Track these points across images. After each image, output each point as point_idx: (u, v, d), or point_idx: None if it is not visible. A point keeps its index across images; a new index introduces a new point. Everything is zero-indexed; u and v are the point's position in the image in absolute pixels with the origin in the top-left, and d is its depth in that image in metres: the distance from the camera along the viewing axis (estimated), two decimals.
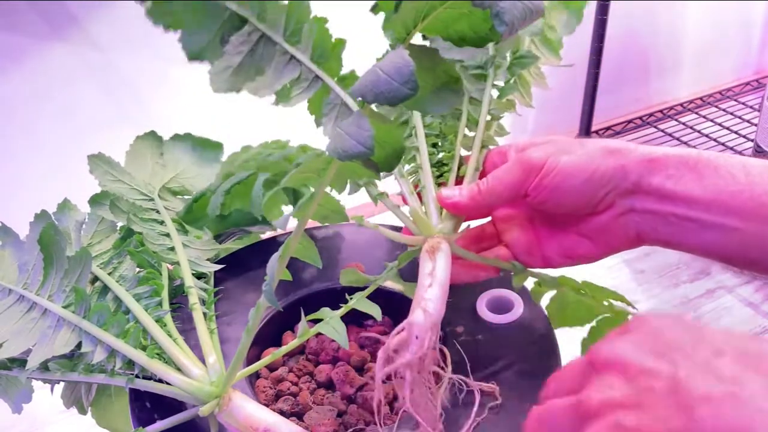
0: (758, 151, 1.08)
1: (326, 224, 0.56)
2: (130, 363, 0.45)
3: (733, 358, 0.27)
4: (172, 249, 0.54)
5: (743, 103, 1.37)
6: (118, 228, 0.57)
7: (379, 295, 0.47)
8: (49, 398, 0.53)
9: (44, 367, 0.46)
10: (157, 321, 0.48)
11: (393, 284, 0.52)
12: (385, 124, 0.36)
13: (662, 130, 1.30)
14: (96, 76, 0.88)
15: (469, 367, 0.47)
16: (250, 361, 0.51)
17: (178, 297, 0.54)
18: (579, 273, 0.51)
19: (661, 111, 1.36)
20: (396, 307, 0.52)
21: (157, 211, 0.57)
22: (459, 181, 0.49)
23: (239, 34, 0.37)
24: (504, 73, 0.52)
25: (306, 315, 0.44)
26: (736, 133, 1.26)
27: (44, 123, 0.88)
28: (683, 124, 1.31)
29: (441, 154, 0.52)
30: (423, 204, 0.48)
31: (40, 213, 0.52)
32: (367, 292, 0.47)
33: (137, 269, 0.53)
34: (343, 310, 0.45)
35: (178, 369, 0.45)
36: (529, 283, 0.52)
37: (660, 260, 1.00)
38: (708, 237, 0.40)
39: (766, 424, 0.24)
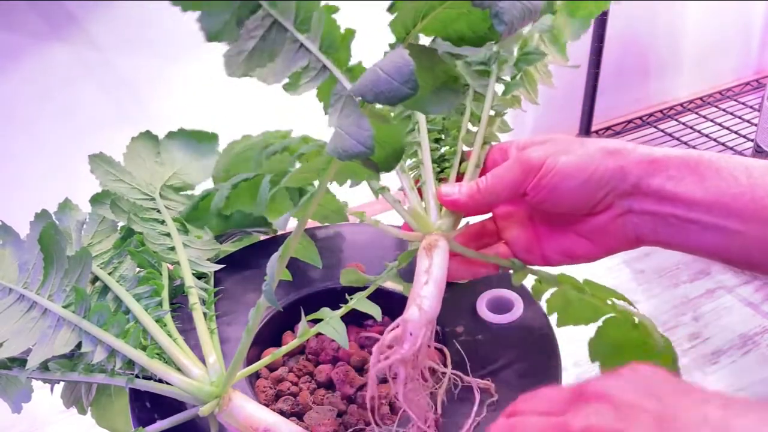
0: (758, 151, 1.08)
1: (326, 224, 0.56)
2: (130, 363, 0.45)
3: (718, 406, 0.28)
4: (173, 249, 0.54)
5: (743, 103, 1.37)
6: (118, 228, 0.57)
7: (379, 295, 0.47)
8: (49, 398, 0.53)
9: (44, 366, 0.46)
10: (157, 321, 0.48)
11: (393, 284, 0.52)
12: (385, 124, 0.36)
13: (662, 130, 1.30)
14: (95, 75, 0.88)
15: (469, 367, 0.48)
16: (250, 361, 0.51)
17: (178, 297, 0.54)
18: (579, 272, 0.51)
19: (661, 111, 1.35)
20: (396, 306, 0.52)
21: (158, 211, 0.57)
22: (460, 177, 0.49)
23: (254, 18, 0.37)
24: (510, 69, 0.52)
25: (306, 315, 0.45)
26: (736, 133, 1.26)
27: (44, 122, 0.87)
28: (683, 124, 1.31)
29: (443, 149, 0.52)
30: (423, 200, 0.48)
31: (41, 212, 0.52)
32: (367, 292, 0.47)
33: (137, 269, 0.53)
34: (343, 310, 0.45)
35: (178, 369, 0.45)
36: (530, 281, 0.52)
37: (660, 260, 1.00)
38: (709, 239, 0.40)
39: None
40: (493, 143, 0.51)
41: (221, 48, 0.38)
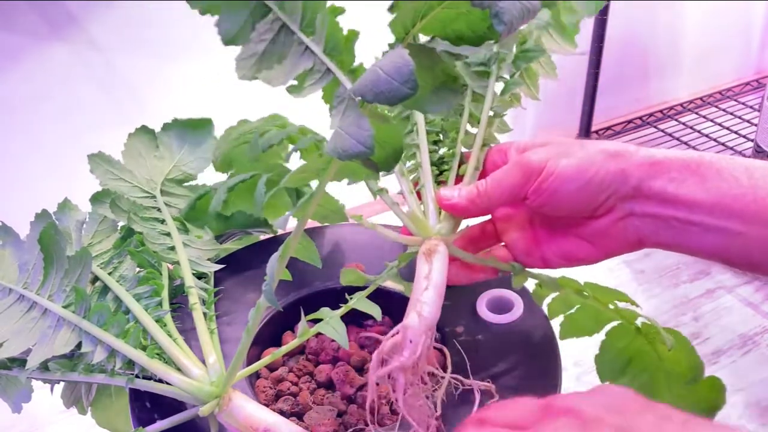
0: (758, 151, 1.08)
1: (326, 224, 0.56)
2: (130, 363, 0.45)
3: (678, 423, 0.29)
4: (173, 248, 0.54)
5: (743, 103, 1.37)
6: (118, 227, 0.57)
7: (379, 295, 0.47)
8: (49, 398, 0.53)
9: (44, 367, 0.46)
10: (157, 321, 0.48)
11: (393, 284, 0.52)
12: (385, 124, 0.36)
13: (662, 130, 1.30)
14: (95, 75, 0.88)
15: (469, 367, 0.48)
16: (250, 361, 0.51)
17: (178, 297, 0.54)
18: (579, 274, 0.51)
19: (661, 111, 1.35)
20: (396, 306, 0.52)
21: (158, 210, 0.57)
22: (459, 179, 0.49)
23: (264, 21, 0.37)
24: (509, 67, 0.51)
25: (306, 315, 0.44)
26: (736, 133, 1.26)
27: (44, 122, 0.88)
28: (683, 124, 1.31)
29: (442, 151, 0.52)
30: (422, 203, 0.48)
31: (41, 212, 0.52)
32: (367, 292, 0.47)
33: (137, 269, 0.53)
34: (343, 310, 0.45)
35: (178, 369, 0.45)
36: (530, 285, 0.52)
37: (660, 260, 1.00)
38: (710, 240, 0.40)
39: None
40: (492, 145, 0.50)
41: (220, 48, 0.38)
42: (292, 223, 0.40)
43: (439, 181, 0.50)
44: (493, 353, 0.49)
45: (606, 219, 0.43)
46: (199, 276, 0.55)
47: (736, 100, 1.38)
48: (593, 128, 1.28)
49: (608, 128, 1.32)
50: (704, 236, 0.40)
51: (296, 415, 0.48)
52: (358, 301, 0.45)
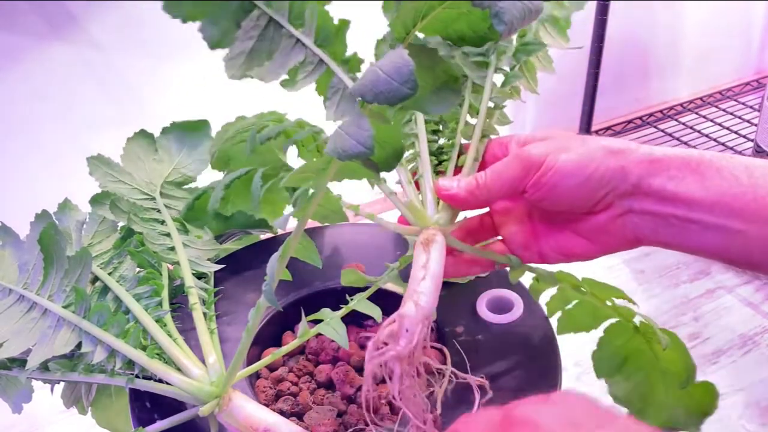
0: (758, 151, 1.08)
1: (326, 224, 0.56)
2: (130, 363, 0.45)
3: None
4: (173, 249, 0.54)
5: (743, 103, 1.37)
6: (118, 228, 0.57)
7: (380, 296, 0.47)
8: (49, 398, 0.53)
9: (44, 367, 0.46)
10: (157, 321, 0.48)
11: (394, 286, 0.52)
12: (385, 124, 0.36)
13: (662, 130, 1.30)
14: (95, 75, 0.88)
15: (468, 367, 0.48)
16: (250, 361, 0.51)
17: (178, 297, 0.54)
18: (578, 271, 0.51)
19: (661, 111, 1.36)
20: (396, 307, 0.52)
21: (158, 211, 0.57)
22: (458, 170, 0.49)
23: (249, 18, 0.37)
24: (509, 59, 0.51)
25: (306, 315, 0.44)
26: (736, 133, 1.26)
27: (44, 122, 0.88)
28: (683, 124, 1.31)
29: (441, 141, 0.52)
30: (420, 193, 0.48)
31: (41, 213, 0.52)
32: (368, 293, 0.47)
33: (137, 269, 0.53)
34: (344, 310, 0.45)
35: (178, 369, 0.45)
36: (528, 279, 0.52)
37: (660, 260, 1.00)
38: (710, 239, 0.40)
39: None
40: (492, 136, 0.50)
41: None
42: (292, 223, 0.40)
43: (437, 171, 0.50)
44: (493, 353, 0.49)
45: (604, 215, 0.43)
46: (199, 276, 0.55)
47: (736, 100, 1.38)
48: (593, 128, 1.28)
49: (608, 128, 1.32)
50: (703, 234, 0.40)
51: (296, 415, 0.48)
52: (359, 302, 0.45)
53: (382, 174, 0.48)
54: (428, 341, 0.40)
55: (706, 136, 1.26)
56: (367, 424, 0.43)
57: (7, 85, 0.83)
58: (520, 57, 0.51)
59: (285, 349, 0.46)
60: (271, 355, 0.46)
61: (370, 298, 0.46)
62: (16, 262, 0.51)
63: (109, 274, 0.52)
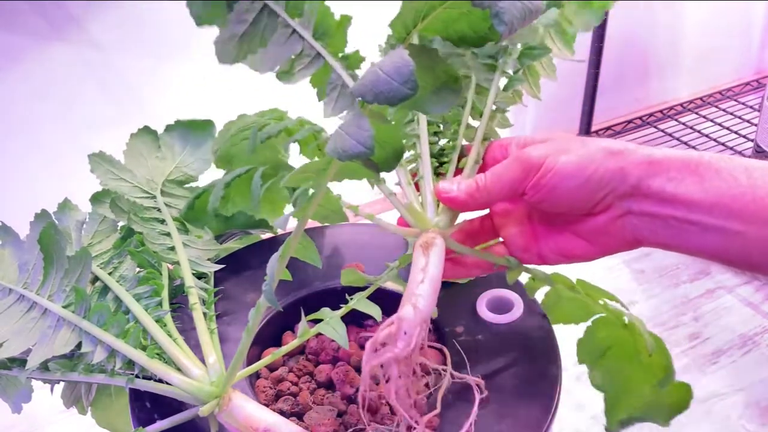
0: (758, 151, 1.08)
1: (326, 224, 0.56)
2: (130, 363, 0.45)
3: None
4: (173, 249, 0.54)
5: (743, 103, 1.37)
6: (118, 228, 0.57)
7: (380, 295, 0.47)
8: (49, 398, 0.53)
9: (44, 367, 0.46)
10: (157, 321, 0.48)
11: (393, 285, 0.52)
12: (385, 124, 0.36)
13: (662, 130, 1.30)
14: (95, 75, 0.88)
15: (468, 367, 0.48)
16: (250, 361, 0.51)
17: (178, 297, 0.54)
18: (578, 272, 0.51)
19: (661, 111, 1.36)
20: (396, 306, 0.52)
21: (159, 210, 0.57)
22: (458, 171, 0.49)
23: (243, 1, 0.36)
24: (514, 62, 0.51)
25: (306, 315, 0.44)
26: (736, 133, 1.26)
27: (44, 122, 0.88)
28: (683, 124, 1.31)
29: (442, 142, 0.52)
30: (420, 194, 0.48)
31: (41, 212, 0.52)
32: (368, 292, 0.47)
33: (137, 269, 0.53)
34: (344, 310, 0.45)
35: (178, 369, 0.45)
36: (524, 278, 0.52)
37: (660, 260, 1.00)
38: (709, 240, 0.40)
39: None
40: (493, 139, 0.50)
41: None
42: (292, 223, 0.40)
43: (438, 173, 0.50)
44: (493, 353, 0.49)
45: (604, 217, 0.43)
46: (199, 276, 0.55)
47: (736, 100, 1.38)
48: (593, 128, 1.28)
49: (608, 128, 1.32)
50: (703, 236, 0.40)
51: (296, 415, 0.48)
52: (359, 302, 0.45)
53: (382, 174, 0.48)
54: (426, 342, 0.41)
55: (706, 136, 1.26)
56: (367, 424, 0.43)
57: (7, 85, 0.83)
58: (525, 61, 0.51)
59: (285, 349, 0.46)
60: (271, 355, 0.46)
61: (370, 298, 0.46)
62: (16, 262, 0.51)
63: (109, 274, 0.52)
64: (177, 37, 0.88)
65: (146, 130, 0.61)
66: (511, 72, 0.51)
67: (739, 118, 1.31)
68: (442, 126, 0.53)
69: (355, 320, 0.56)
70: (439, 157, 0.51)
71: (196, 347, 0.48)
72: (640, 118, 1.34)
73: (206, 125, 0.62)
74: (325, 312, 0.44)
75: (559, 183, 0.42)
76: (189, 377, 0.44)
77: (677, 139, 1.26)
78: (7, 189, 0.88)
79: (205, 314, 0.50)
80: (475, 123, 0.51)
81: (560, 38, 0.55)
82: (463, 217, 0.48)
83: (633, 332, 0.49)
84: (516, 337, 0.51)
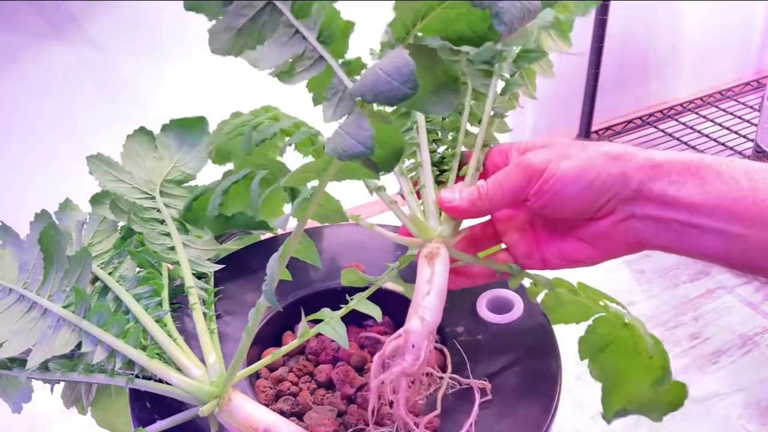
0: (758, 152, 1.08)
1: (326, 224, 0.56)
2: (130, 363, 0.45)
3: None
4: (173, 249, 0.54)
5: (743, 103, 1.37)
6: (118, 228, 0.57)
7: (379, 296, 0.47)
8: (49, 398, 0.53)
9: (44, 367, 0.46)
10: (157, 321, 0.48)
11: (393, 285, 0.52)
12: (385, 124, 0.36)
13: (662, 130, 1.30)
14: (95, 75, 0.88)
15: (469, 367, 0.48)
16: (250, 361, 0.51)
17: (178, 297, 0.54)
18: (579, 273, 0.51)
19: (661, 111, 1.36)
20: (396, 307, 0.52)
21: (158, 210, 0.57)
22: (459, 179, 0.49)
23: None
24: (510, 66, 0.51)
25: (306, 315, 0.44)
26: (736, 133, 1.26)
27: (44, 122, 0.88)
28: (683, 124, 1.31)
29: (441, 149, 0.52)
30: (422, 203, 0.48)
31: (41, 212, 0.52)
32: (368, 293, 0.47)
33: (137, 269, 0.53)
34: (344, 310, 0.45)
35: (178, 369, 0.45)
36: (526, 283, 0.52)
37: (660, 260, 1.00)
38: (710, 243, 0.40)
39: None
40: (492, 145, 0.50)
41: None
42: (292, 223, 0.40)
43: (439, 181, 0.50)
44: (493, 353, 0.49)
45: (606, 221, 0.43)
46: (199, 276, 0.55)
47: (736, 100, 1.38)
48: (593, 128, 1.28)
49: (608, 128, 1.32)
50: (704, 239, 0.40)
51: (296, 415, 0.48)
52: (359, 302, 0.45)
53: (383, 182, 0.48)
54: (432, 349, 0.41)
55: (706, 136, 1.26)
56: (367, 424, 0.43)
57: (7, 85, 0.83)
58: (522, 64, 0.51)
59: (285, 349, 0.46)
60: (271, 355, 0.46)
61: (370, 298, 0.46)
62: (16, 262, 0.51)
63: (109, 274, 0.52)
64: (176, 37, 0.88)
65: (142, 131, 0.61)
66: (507, 75, 0.51)
67: (739, 118, 1.31)
68: (440, 133, 0.53)
69: (355, 320, 0.56)
70: (439, 165, 0.51)
71: (196, 347, 0.48)
72: (640, 118, 1.34)
73: (199, 122, 0.62)
74: (325, 312, 0.44)
75: (561, 189, 0.42)
76: (189, 377, 0.44)
77: (677, 139, 1.26)
78: (7, 189, 0.88)
79: (205, 314, 0.50)
80: (473, 129, 0.51)
81: (556, 31, 0.55)
82: (466, 224, 0.48)
83: (633, 332, 0.49)
84: (516, 337, 0.51)
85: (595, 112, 1.25)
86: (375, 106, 0.35)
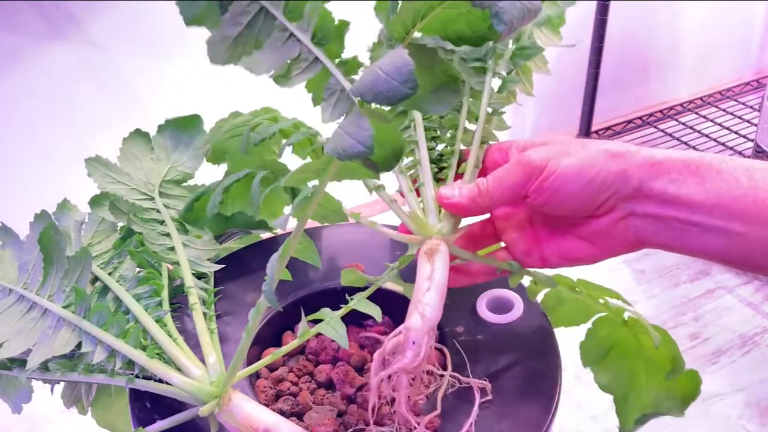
0: (758, 151, 1.08)
1: (326, 224, 0.56)
2: (130, 363, 0.45)
3: None
4: (173, 249, 0.54)
5: (743, 103, 1.37)
6: (118, 228, 0.57)
7: (379, 296, 0.47)
8: (49, 398, 0.53)
9: (44, 367, 0.46)
10: (157, 321, 0.48)
11: (393, 285, 0.52)
12: (385, 124, 0.36)
13: (662, 130, 1.30)
14: (95, 75, 0.88)
15: (469, 367, 0.48)
16: (250, 361, 0.51)
17: (178, 297, 0.54)
18: (578, 272, 0.51)
19: (661, 111, 1.36)
20: (396, 307, 0.52)
21: (158, 211, 0.57)
22: (458, 177, 0.49)
23: (238, 3, 0.36)
24: (506, 63, 0.51)
25: (306, 315, 0.44)
26: (736, 133, 1.26)
27: (44, 122, 0.88)
28: (683, 124, 1.31)
29: (440, 147, 0.52)
30: (421, 201, 0.48)
31: (40, 213, 0.52)
32: (368, 292, 0.47)
33: (137, 269, 0.53)
34: (344, 310, 0.45)
35: (178, 369, 0.45)
36: (526, 281, 0.52)
37: (660, 260, 1.00)
38: (710, 241, 0.40)
39: None
40: (491, 142, 0.50)
41: None
42: (292, 223, 0.40)
43: (437, 179, 0.50)
44: (493, 353, 0.49)
45: (606, 219, 0.43)
46: (199, 276, 0.55)
47: (736, 100, 1.38)
48: (593, 128, 1.28)
49: (608, 128, 1.32)
50: (704, 237, 0.40)
51: (296, 415, 0.48)
52: (359, 302, 0.45)
53: (382, 181, 0.48)
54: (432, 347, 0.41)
55: (706, 136, 1.26)
56: (367, 424, 0.43)
57: (6, 85, 0.83)
58: (518, 61, 0.51)
59: (285, 349, 0.46)
60: (271, 355, 0.46)
61: (370, 298, 0.46)
62: (16, 262, 0.51)
63: (109, 274, 0.52)
64: (176, 37, 0.88)
65: (138, 133, 0.61)
66: (504, 73, 0.51)
67: (739, 118, 1.31)
68: (439, 131, 0.53)
69: (355, 320, 0.56)
70: (438, 163, 0.51)
71: (196, 347, 0.48)
72: (640, 118, 1.34)
73: (194, 121, 0.61)
74: (325, 312, 0.44)
75: (561, 186, 0.42)
76: (189, 377, 0.44)
77: (677, 139, 1.26)
78: (7, 189, 0.89)
79: (205, 314, 0.50)
80: (471, 127, 0.51)
81: (546, 26, 0.55)
82: (466, 222, 0.48)
83: (634, 329, 0.49)
84: (516, 337, 0.51)
85: (595, 112, 1.25)
86: (373, 105, 0.35)
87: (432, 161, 0.50)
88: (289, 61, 0.37)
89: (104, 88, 0.89)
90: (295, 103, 0.48)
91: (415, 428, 0.40)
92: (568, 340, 0.52)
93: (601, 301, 0.50)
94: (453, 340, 0.50)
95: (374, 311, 0.44)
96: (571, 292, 0.50)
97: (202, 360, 0.46)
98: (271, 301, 0.37)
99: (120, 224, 0.57)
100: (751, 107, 1.35)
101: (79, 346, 0.46)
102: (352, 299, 0.45)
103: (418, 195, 0.49)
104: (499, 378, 0.47)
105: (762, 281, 0.95)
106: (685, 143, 1.25)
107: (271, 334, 0.55)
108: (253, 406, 0.43)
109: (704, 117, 1.33)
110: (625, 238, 0.43)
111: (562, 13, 0.55)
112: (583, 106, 1.24)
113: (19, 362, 0.48)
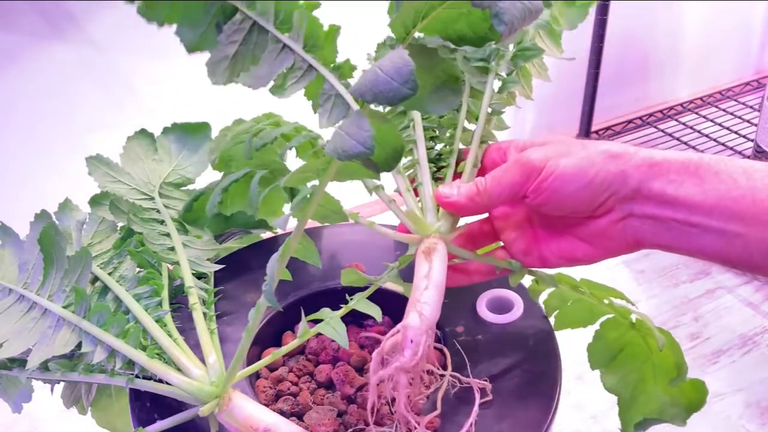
0: (758, 151, 1.08)
1: (326, 224, 0.56)
2: (130, 363, 0.45)
3: None
4: (173, 249, 0.54)
5: (743, 103, 1.37)
6: (118, 228, 0.57)
7: (380, 295, 0.47)
8: (49, 398, 0.53)
9: (44, 367, 0.46)
10: (157, 321, 0.48)
11: (393, 285, 0.52)
12: (385, 124, 0.36)
13: (662, 130, 1.30)
14: (95, 75, 0.88)
15: (469, 367, 0.48)
16: (250, 361, 0.51)
17: (178, 297, 0.54)
18: (578, 272, 0.51)
19: (661, 111, 1.36)
20: (396, 306, 0.52)
21: (158, 211, 0.57)
22: (456, 176, 0.49)
23: (231, 22, 0.36)
24: (507, 64, 0.51)
25: (306, 315, 0.44)
26: (736, 133, 1.27)
27: (44, 122, 0.88)
28: (683, 124, 1.31)
29: (438, 147, 0.52)
30: (419, 200, 0.48)
31: (41, 213, 0.52)
32: (368, 292, 0.47)
33: (137, 269, 0.53)
34: (344, 310, 0.45)
35: (178, 369, 0.45)
36: (527, 281, 0.52)
37: (660, 260, 1.00)
38: (709, 242, 0.40)
39: None
40: (491, 142, 0.50)
41: None
42: (292, 223, 0.40)
43: (436, 178, 0.50)
44: (493, 353, 0.49)
45: (605, 219, 0.43)
46: (199, 276, 0.55)
47: (736, 100, 1.39)
48: (593, 128, 1.28)
49: (608, 128, 1.32)
50: (703, 238, 0.40)
51: (296, 415, 0.48)
52: (359, 302, 0.45)
53: (381, 181, 0.48)
54: (431, 346, 0.41)
55: (706, 136, 1.26)
56: (367, 424, 0.43)
57: (7, 85, 0.83)
58: (519, 62, 0.51)
59: (285, 349, 0.46)
60: (271, 355, 0.46)
61: (370, 298, 0.46)
62: (16, 262, 0.51)
63: (109, 274, 0.52)
64: (176, 37, 0.88)
65: (143, 133, 0.61)
66: (504, 74, 0.51)
67: (739, 118, 1.31)
68: (437, 131, 0.53)
69: (355, 320, 0.56)
70: (436, 162, 0.51)
71: (196, 347, 0.48)
72: (640, 118, 1.34)
73: (202, 128, 0.62)
74: (325, 312, 0.44)
75: (560, 186, 0.42)
76: (189, 377, 0.44)
77: (677, 139, 1.26)
78: (7, 189, 0.89)
79: (205, 314, 0.50)
80: (471, 126, 0.51)
81: (549, 37, 0.55)
82: (464, 221, 0.48)
83: (642, 331, 0.49)
84: (516, 337, 0.51)
85: (595, 112, 1.25)
86: (372, 106, 0.35)
87: (430, 160, 0.50)
88: (285, 71, 0.38)
89: (104, 88, 0.89)
90: (298, 107, 0.48)
91: (415, 428, 0.40)
92: (569, 340, 0.52)
93: (606, 301, 0.49)
94: (453, 339, 0.50)
95: (374, 311, 0.45)
96: (575, 292, 0.50)
97: (202, 360, 0.46)
98: (271, 301, 0.37)
99: (120, 224, 0.57)
100: (751, 107, 1.35)
101: (79, 346, 0.46)
102: (352, 299, 0.45)
103: (416, 194, 0.49)
104: (499, 378, 0.47)
105: (762, 281, 0.95)
106: (685, 143, 1.25)
107: (271, 334, 0.55)
108: (253, 406, 0.43)
109: (704, 117, 1.33)
110: (624, 238, 0.43)
111: (561, 30, 0.56)
112: (582, 106, 1.24)
113: (19, 362, 0.48)
